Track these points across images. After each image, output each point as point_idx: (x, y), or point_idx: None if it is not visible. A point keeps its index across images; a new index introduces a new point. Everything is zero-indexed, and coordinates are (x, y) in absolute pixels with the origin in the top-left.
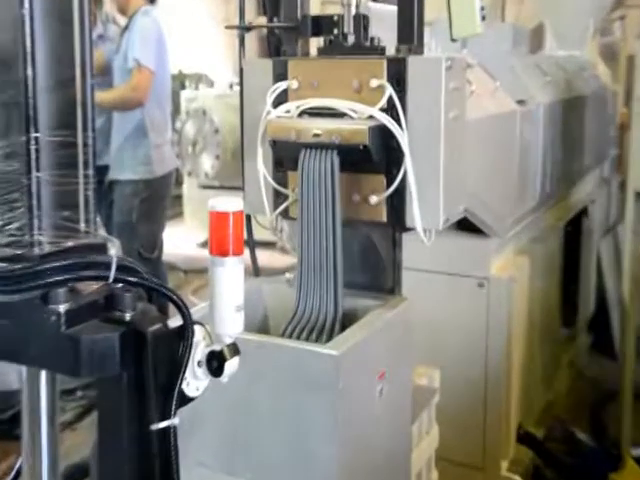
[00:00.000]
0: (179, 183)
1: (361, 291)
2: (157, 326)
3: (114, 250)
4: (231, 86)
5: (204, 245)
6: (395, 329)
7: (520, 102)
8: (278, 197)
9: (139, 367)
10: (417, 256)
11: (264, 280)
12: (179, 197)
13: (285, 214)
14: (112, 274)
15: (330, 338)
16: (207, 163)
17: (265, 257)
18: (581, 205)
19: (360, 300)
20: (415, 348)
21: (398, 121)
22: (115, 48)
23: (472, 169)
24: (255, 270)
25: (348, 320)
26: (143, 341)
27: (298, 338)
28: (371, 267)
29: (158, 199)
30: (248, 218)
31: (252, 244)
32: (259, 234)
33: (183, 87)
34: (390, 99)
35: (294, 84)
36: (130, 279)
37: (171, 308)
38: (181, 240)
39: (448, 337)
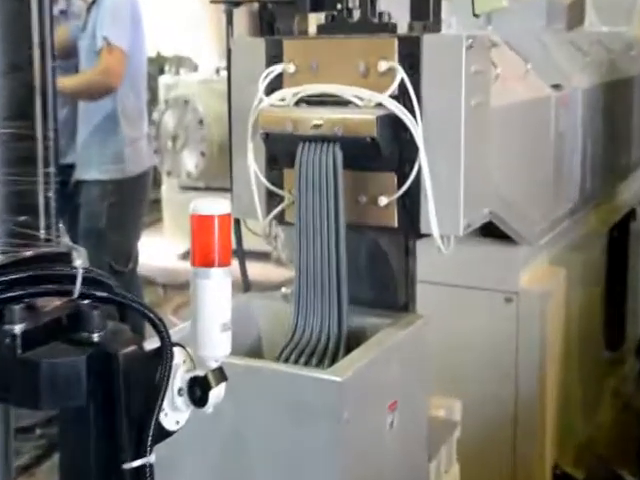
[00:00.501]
0: (157, 185)
1: (369, 308)
2: (130, 348)
3: (80, 261)
4: (218, 71)
5: (186, 256)
6: (409, 352)
7: (555, 86)
8: (272, 199)
9: (109, 396)
10: (434, 267)
11: (256, 296)
12: (157, 201)
13: (280, 219)
14: (77, 288)
15: (333, 363)
16: (190, 160)
17: (257, 269)
18: (628, 207)
19: (368, 318)
20: (432, 374)
21: (411, 110)
22: (81, 26)
23: (498, 165)
24: (245, 284)
25: (354, 342)
26: (114, 366)
27: (296, 363)
28: (380, 280)
29: (132, 203)
30: (237, 223)
31: (242, 254)
32: (250, 242)
33: (161, 72)
34: (402, 84)
35: (290, 68)
36: (98, 294)
37: (147, 328)
38: (159, 251)
39: (471, 362)
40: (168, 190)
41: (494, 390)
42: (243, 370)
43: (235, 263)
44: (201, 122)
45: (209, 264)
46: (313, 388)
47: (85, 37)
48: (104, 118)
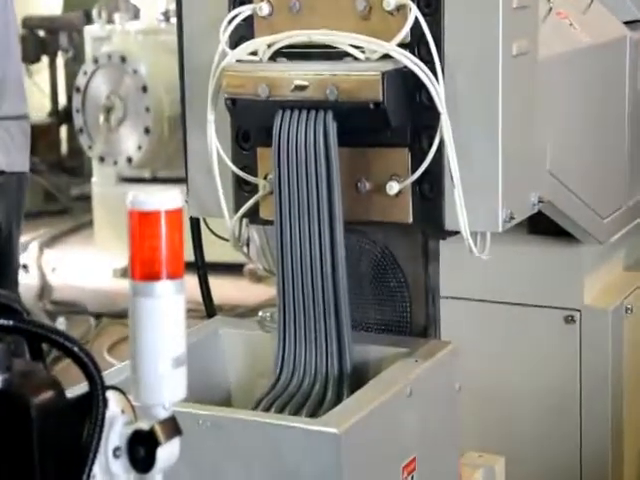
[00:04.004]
0: (85, 175)
1: (375, 334)
2: (46, 395)
3: None
4: (167, 16)
5: (126, 273)
6: (431, 392)
7: (631, 23)
8: (242, 189)
9: (18, 461)
10: (464, 277)
11: (224, 322)
12: (85, 199)
13: (254, 216)
14: None
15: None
16: (130, 141)
17: (225, 288)
18: None
19: (374, 348)
20: (463, 422)
21: (429, 62)
22: None
23: (551, 136)
24: (209, 308)
25: (355, 380)
26: (24, 420)
27: (281, 413)
28: (390, 295)
29: None
30: (195, 224)
31: (202, 266)
32: (215, 251)
33: (88, 19)
34: (416, 27)
35: (263, 8)
36: (1, 322)
37: (67, 368)
38: (89, 266)
39: (517, 404)
40: (100, 183)
41: (550, 442)
42: (208, 422)
43: (193, 279)
44: (144, 88)
45: (154, 276)
46: (301, 444)
47: None
48: None
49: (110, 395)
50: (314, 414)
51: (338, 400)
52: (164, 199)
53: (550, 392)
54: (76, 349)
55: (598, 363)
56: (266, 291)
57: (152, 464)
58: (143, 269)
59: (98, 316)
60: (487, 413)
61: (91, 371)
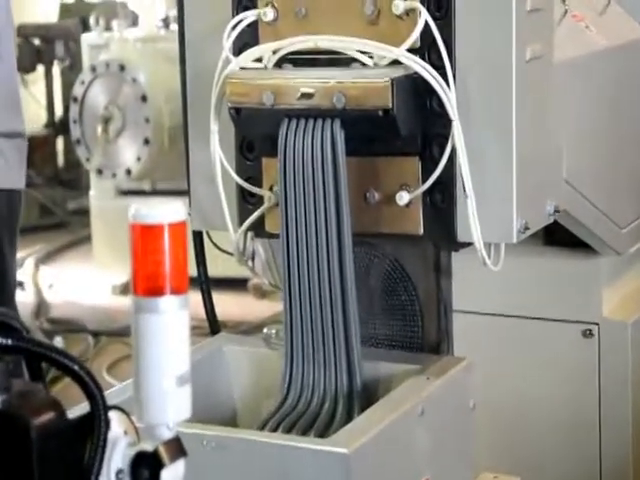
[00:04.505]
0: (84, 188)
1: (386, 350)
2: (47, 416)
3: None
4: (166, 23)
5: (125, 290)
6: (444, 410)
7: None
8: (246, 201)
9: None
10: (477, 291)
11: (229, 339)
12: (83, 213)
13: (259, 229)
14: None
15: None
16: (129, 152)
17: (229, 304)
18: None
19: (385, 365)
20: (477, 441)
21: (440, 68)
22: None
23: (567, 143)
24: (213, 325)
25: (366, 398)
26: (24, 441)
27: (289, 433)
28: (401, 310)
29: None
30: (198, 238)
31: (206, 282)
32: (218, 266)
33: (86, 27)
34: (426, 32)
35: (268, 14)
36: (0, 341)
37: (69, 388)
38: (88, 283)
39: (534, 422)
40: (99, 196)
41: (568, 461)
42: (213, 442)
43: (197, 295)
44: (144, 97)
45: (157, 292)
46: (309, 465)
47: None
48: None
49: (112, 415)
50: (323, 434)
51: (348, 419)
52: (167, 212)
53: (568, 409)
54: (77, 368)
55: (618, 378)
56: (271, 307)
57: None
58: (146, 284)
59: (97, 334)
60: (502, 432)
61: (92, 391)
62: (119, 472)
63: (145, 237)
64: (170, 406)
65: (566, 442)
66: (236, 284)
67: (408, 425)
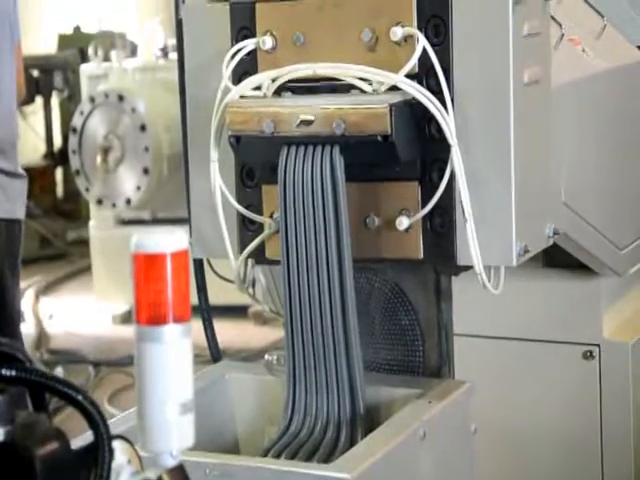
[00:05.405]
0: (83, 218)
1: (386, 374)
2: (51, 447)
3: None
4: (165, 52)
5: (125, 319)
6: (446, 434)
7: None
8: (247, 229)
9: None
10: (478, 314)
11: (230, 367)
12: (82, 243)
13: (259, 256)
14: None
15: None
16: (129, 182)
17: (230, 331)
18: None
19: (386, 389)
20: (479, 463)
21: (438, 93)
22: None
23: (566, 165)
24: (214, 353)
25: (368, 423)
26: (29, 472)
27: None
28: (402, 334)
29: None
30: (199, 266)
31: (207, 310)
32: (218, 294)
33: (84, 57)
34: (424, 57)
35: (266, 42)
36: (4, 372)
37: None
38: (88, 313)
39: (536, 446)
40: (98, 226)
41: None
42: (216, 470)
43: (197, 323)
44: (143, 127)
45: (160, 320)
46: None
47: None
48: None
49: (116, 445)
50: (327, 460)
51: (352, 445)
52: (169, 241)
53: (569, 432)
54: (80, 398)
55: (619, 400)
56: (271, 334)
57: None
58: (149, 313)
59: (97, 365)
60: (504, 454)
61: (96, 421)
62: None
63: (147, 266)
64: (174, 434)
65: (567, 463)
66: (236, 311)
67: (410, 449)
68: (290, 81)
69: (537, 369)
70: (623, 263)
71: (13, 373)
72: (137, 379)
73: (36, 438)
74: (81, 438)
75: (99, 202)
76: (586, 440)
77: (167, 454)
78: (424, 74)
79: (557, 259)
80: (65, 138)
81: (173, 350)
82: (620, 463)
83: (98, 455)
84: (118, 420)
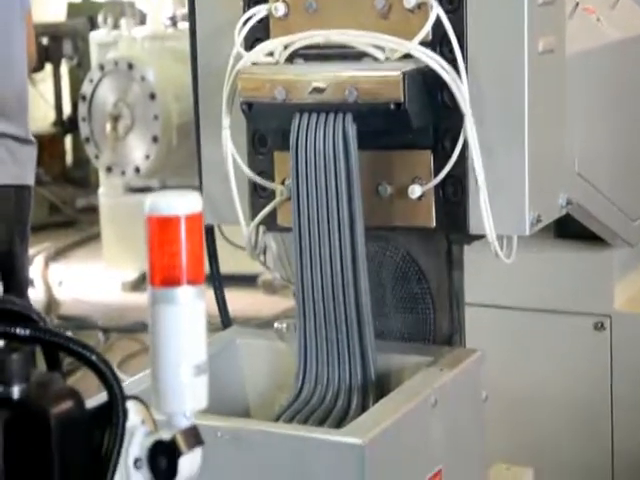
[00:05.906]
0: (93, 186)
1: (398, 342)
2: (65, 405)
3: None
4: (174, 21)
5: (135, 286)
6: (457, 401)
7: None
8: (259, 195)
9: (37, 472)
10: (489, 284)
11: (241, 333)
12: (91, 210)
13: (271, 223)
14: None
15: None
16: (138, 150)
17: (241, 299)
18: None
19: (397, 357)
20: (489, 432)
21: (452, 61)
22: None
23: (580, 136)
24: (224, 318)
25: (380, 390)
26: (43, 430)
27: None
28: (414, 303)
29: None
30: (209, 233)
31: (218, 277)
32: (229, 262)
33: (93, 25)
34: (438, 25)
35: (279, 9)
36: (18, 332)
37: (87, 379)
38: (97, 280)
39: (546, 414)
40: (107, 194)
41: (580, 452)
42: (228, 434)
43: (208, 292)
44: (153, 96)
45: (174, 282)
46: (324, 456)
47: None
48: None
49: (130, 405)
50: (338, 427)
51: (362, 412)
52: (184, 203)
53: (580, 401)
54: (95, 358)
55: (630, 370)
56: (281, 303)
57: (174, 475)
58: (163, 275)
59: (107, 331)
60: (514, 423)
61: (110, 381)
62: (137, 461)
63: (162, 229)
64: (188, 395)
65: (578, 433)
66: (246, 281)
67: (421, 416)
68: (302, 48)
69: (548, 340)
70: (636, 234)
71: (27, 332)
72: (151, 341)
73: (51, 397)
74: (95, 399)
75: (108, 170)
76: (596, 411)
77: (181, 415)
78: (438, 42)
79: (569, 230)
80: (74, 106)
81: (187, 312)
82: (630, 434)
83: (112, 415)
84: (132, 382)
